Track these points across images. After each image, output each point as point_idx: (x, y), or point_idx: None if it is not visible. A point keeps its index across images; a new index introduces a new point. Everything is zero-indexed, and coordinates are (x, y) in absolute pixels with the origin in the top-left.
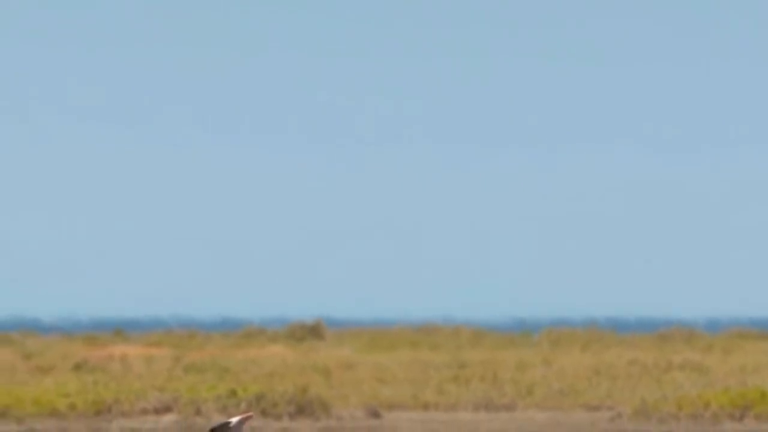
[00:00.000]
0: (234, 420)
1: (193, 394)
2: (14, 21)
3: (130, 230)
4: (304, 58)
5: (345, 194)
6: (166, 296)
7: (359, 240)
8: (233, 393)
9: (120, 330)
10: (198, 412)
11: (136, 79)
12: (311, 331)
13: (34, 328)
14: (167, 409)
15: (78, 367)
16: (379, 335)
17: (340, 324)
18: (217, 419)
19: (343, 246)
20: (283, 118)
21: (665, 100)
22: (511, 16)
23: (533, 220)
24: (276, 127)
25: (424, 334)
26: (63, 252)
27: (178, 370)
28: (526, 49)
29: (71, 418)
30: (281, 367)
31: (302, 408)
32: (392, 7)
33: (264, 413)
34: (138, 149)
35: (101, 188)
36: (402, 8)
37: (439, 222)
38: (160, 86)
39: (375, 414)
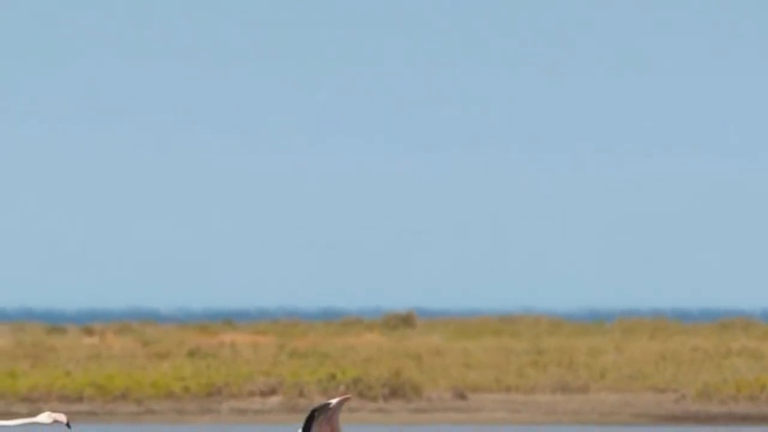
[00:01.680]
0: (334, 401)
1: (296, 378)
2: (122, 37)
3: (240, 229)
4: (399, 72)
5: (435, 196)
6: (272, 289)
7: (449, 237)
8: (333, 377)
9: (230, 319)
10: (301, 395)
11: (247, 90)
12: (404, 321)
13: (152, 318)
14: (273, 391)
15: (192, 354)
16: (465, 324)
17: (430, 314)
18: (318, 401)
19: (434, 243)
20: (377, 126)
21: (732, 111)
22: (587, 27)
23: (607, 220)
24: (372, 134)
25: (506, 323)
26: (179, 249)
27: (282, 356)
28: (604, 61)
29: (185, 399)
30: (376, 353)
31: (395, 390)
32: (471, 19)
33: (361, 395)
34: (246, 155)
35: (213, 193)
36: (480, 20)
37: (522, 221)
38: (267, 98)
39: (461, 396)
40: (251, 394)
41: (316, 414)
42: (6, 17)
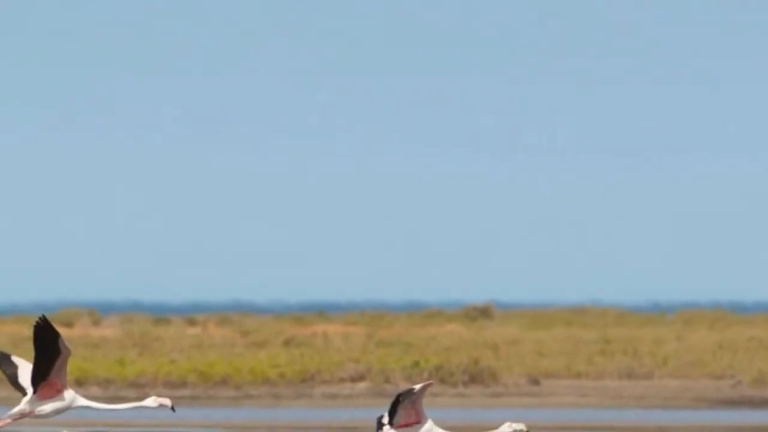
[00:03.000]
0: (417, 387)
1: (383, 365)
2: (225, 53)
3: (333, 229)
4: (478, 80)
5: (512, 200)
6: (362, 283)
7: (524, 236)
8: (416, 364)
9: (322, 311)
10: (387, 381)
11: (337, 97)
12: (482, 313)
13: (250, 310)
14: (361, 377)
15: (287, 343)
16: (539, 316)
17: (506, 306)
18: (403, 386)
19: (510, 241)
20: (459, 130)
21: None
22: (651, 35)
23: (670, 220)
24: (455, 138)
25: (576, 315)
26: (276, 247)
27: (370, 345)
28: (672, 68)
29: (281, 385)
30: (457, 342)
31: (474, 377)
32: (554, 35)
33: (442, 381)
34: (338, 160)
35: (309, 196)
36: (560, 36)
37: (592, 221)
38: (356, 104)
39: (535, 381)
40: (342, 380)
41: (402, 398)
42: (117, 35)
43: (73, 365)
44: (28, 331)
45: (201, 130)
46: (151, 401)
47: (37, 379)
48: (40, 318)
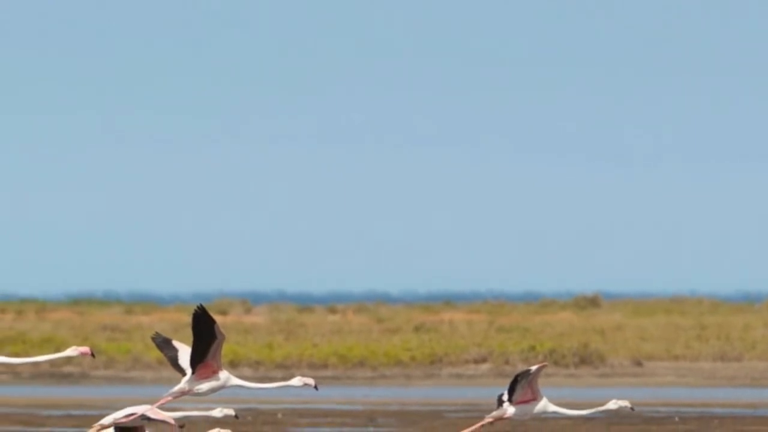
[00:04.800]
0: (534, 368)
1: (503, 349)
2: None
3: (458, 226)
4: (595, 89)
5: (617, 201)
6: (484, 275)
7: (628, 232)
8: (532, 348)
9: (449, 301)
10: (506, 362)
11: (462, 107)
12: (591, 302)
13: (385, 299)
14: (484, 360)
15: (417, 329)
16: (641, 304)
17: (613, 296)
18: (521, 367)
19: (616, 238)
20: (574, 136)
21: None
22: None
23: (758, 218)
24: (569, 144)
25: (675, 304)
26: (408, 242)
27: (491, 331)
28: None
29: (412, 366)
30: (568, 328)
31: (584, 359)
32: (654, 47)
33: (555, 363)
34: (463, 164)
35: (438, 197)
36: (662, 48)
37: (687, 219)
38: (479, 112)
39: (638, 363)
40: (466, 362)
41: (519, 378)
42: (257, 53)
43: (227, 349)
44: (188, 319)
45: (336, 139)
46: (296, 381)
47: (195, 361)
48: (198, 307)
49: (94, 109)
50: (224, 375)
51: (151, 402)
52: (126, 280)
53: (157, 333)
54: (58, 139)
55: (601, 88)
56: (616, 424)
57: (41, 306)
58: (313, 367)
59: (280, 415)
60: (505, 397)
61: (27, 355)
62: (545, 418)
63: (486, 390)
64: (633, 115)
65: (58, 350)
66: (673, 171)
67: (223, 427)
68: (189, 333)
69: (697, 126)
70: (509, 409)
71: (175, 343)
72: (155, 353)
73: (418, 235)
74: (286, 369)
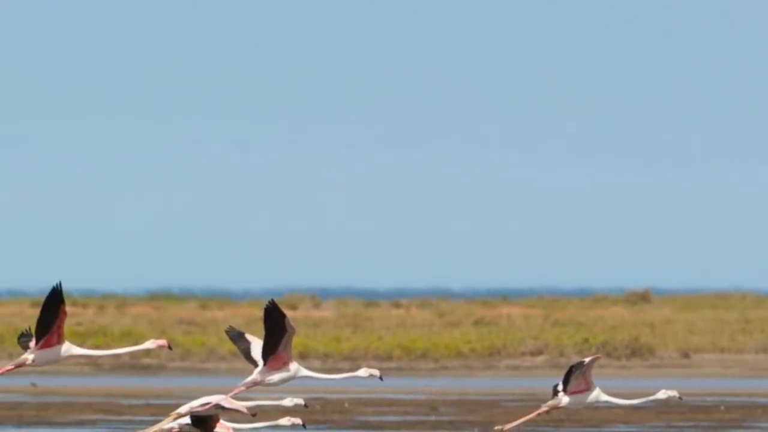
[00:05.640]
0: (587, 360)
1: (557, 342)
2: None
3: (516, 226)
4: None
5: (666, 201)
6: (540, 272)
7: (678, 232)
8: (586, 341)
9: (506, 296)
10: (561, 354)
11: (531, 113)
12: (641, 297)
13: (446, 295)
14: (540, 352)
15: (477, 322)
16: (689, 300)
17: (662, 292)
18: (575, 359)
19: (665, 237)
20: (627, 138)
21: None
22: None
23: None
24: (623, 146)
25: (720, 299)
26: (467, 241)
27: (547, 325)
28: None
29: (472, 358)
30: (620, 322)
31: (635, 351)
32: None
33: (607, 355)
34: (526, 169)
35: (500, 202)
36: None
37: (734, 220)
38: (546, 119)
39: (686, 355)
40: (523, 354)
41: (574, 369)
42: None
43: (297, 341)
44: (260, 313)
45: (401, 141)
46: (362, 372)
47: (267, 353)
48: (269, 302)
49: (170, 113)
50: (294, 366)
51: (225, 392)
52: (201, 277)
53: (230, 327)
54: (135, 141)
55: (653, 91)
56: (665, 413)
57: (121, 301)
58: (378, 358)
59: (347, 404)
60: (560, 388)
61: (108, 347)
62: (598, 407)
63: (542, 381)
64: (682, 116)
65: (137, 343)
66: (719, 172)
67: (293, 415)
68: (261, 327)
69: (743, 125)
70: (564, 399)
71: (248, 336)
72: (229, 346)
73: (478, 234)
74: (353, 361)
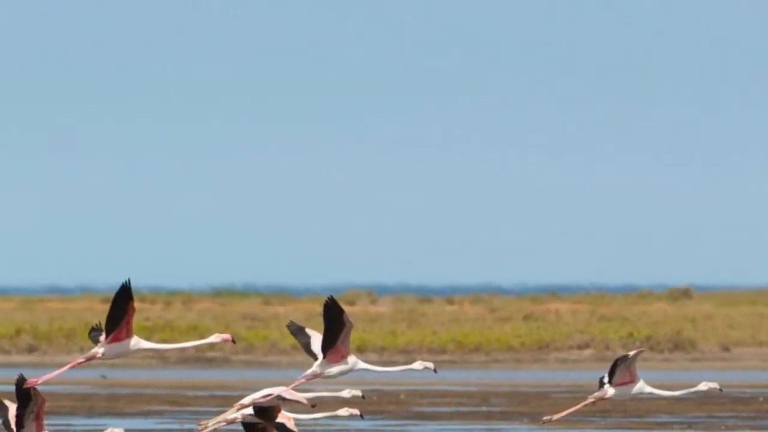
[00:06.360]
0: (631, 353)
1: (603, 336)
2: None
3: (564, 226)
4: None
5: (706, 200)
6: (587, 269)
7: (718, 231)
8: (630, 335)
9: (555, 292)
10: (607, 348)
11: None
12: (683, 293)
13: (497, 291)
14: (586, 345)
15: (526, 317)
16: (729, 296)
17: (703, 288)
18: (620, 353)
19: (707, 235)
20: (674, 140)
21: None
22: None
23: None
24: (669, 148)
25: (759, 295)
26: (519, 240)
27: (593, 320)
28: None
29: (521, 351)
30: (663, 317)
31: (677, 345)
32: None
33: (651, 349)
34: (574, 172)
35: (543, 205)
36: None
37: None
38: (602, 125)
39: (726, 349)
40: (570, 347)
41: (619, 362)
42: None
43: (355, 336)
44: (319, 309)
45: (455, 144)
46: (417, 365)
47: (326, 347)
48: (328, 298)
49: (232, 117)
50: (352, 359)
51: (286, 384)
52: (264, 274)
53: (291, 321)
54: (201, 145)
55: (696, 93)
56: (706, 404)
57: (187, 297)
58: (432, 352)
59: (402, 396)
60: (606, 380)
61: (174, 341)
62: (642, 398)
63: (588, 373)
64: (722, 117)
65: (202, 337)
66: (759, 172)
67: (351, 406)
68: (320, 321)
69: None
70: (609, 390)
71: (308, 331)
72: (290, 340)
73: (528, 233)
74: (408, 354)
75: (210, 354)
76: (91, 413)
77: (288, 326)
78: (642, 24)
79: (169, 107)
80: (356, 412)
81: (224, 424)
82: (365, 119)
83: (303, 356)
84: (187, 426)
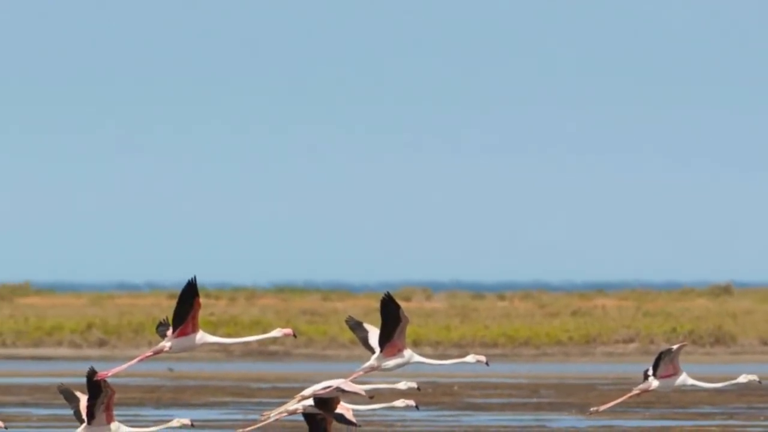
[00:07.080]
0: (675, 347)
1: (648, 330)
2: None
3: (610, 225)
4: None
5: (747, 201)
6: (632, 267)
7: (758, 230)
8: (674, 329)
9: (601, 289)
10: (651, 342)
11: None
12: (724, 290)
13: (546, 288)
14: (631, 340)
15: (574, 313)
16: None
17: (743, 285)
18: (664, 347)
19: (747, 234)
20: (706, 141)
21: None
22: None
23: None
24: (701, 148)
25: None
26: (566, 239)
27: (638, 315)
28: None
29: (570, 345)
30: (705, 312)
31: (718, 339)
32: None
33: (693, 343)
34: (607, 172)
35: (586, 203)
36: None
37: None
38: (627, 125)
39: (765, 343)
40: (616, 341)
41: (663, 356)
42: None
43: (410, 330)
44: (376, 304)
45: (504, 149)
46: (470, 358)
47: (383, 341)
48: (385, 294)
49: (295, 124)
50: (408, 353)
51: (345, 376)
52: (324, 271)
53: (350, 317)
54: (265, 150)
55: (739, 97)
56: (745, 395)
57: (251, 293)
58: (484, 346)
59: (456, 388)
60: (650, 372)
61: (238, 335)
62: (684, 390)
63: (634, 366)
64: (762, 119)
65: (265, 331)
66: None
67: (407, 397)
68: (378, 317)
69: None
70: (653, 383)
71: (366, 326)
72: (348, 334)
73: (576, 233)
74: (461, 348)
75: (272, 348)
76: (158, 404)
77: (347, 321)
78: (698, 26)
79: (237, 111)
80: (412, 403)
81: (285, 414)
82: (419, 125)
83: (361, 350)
84: (250, 417)
